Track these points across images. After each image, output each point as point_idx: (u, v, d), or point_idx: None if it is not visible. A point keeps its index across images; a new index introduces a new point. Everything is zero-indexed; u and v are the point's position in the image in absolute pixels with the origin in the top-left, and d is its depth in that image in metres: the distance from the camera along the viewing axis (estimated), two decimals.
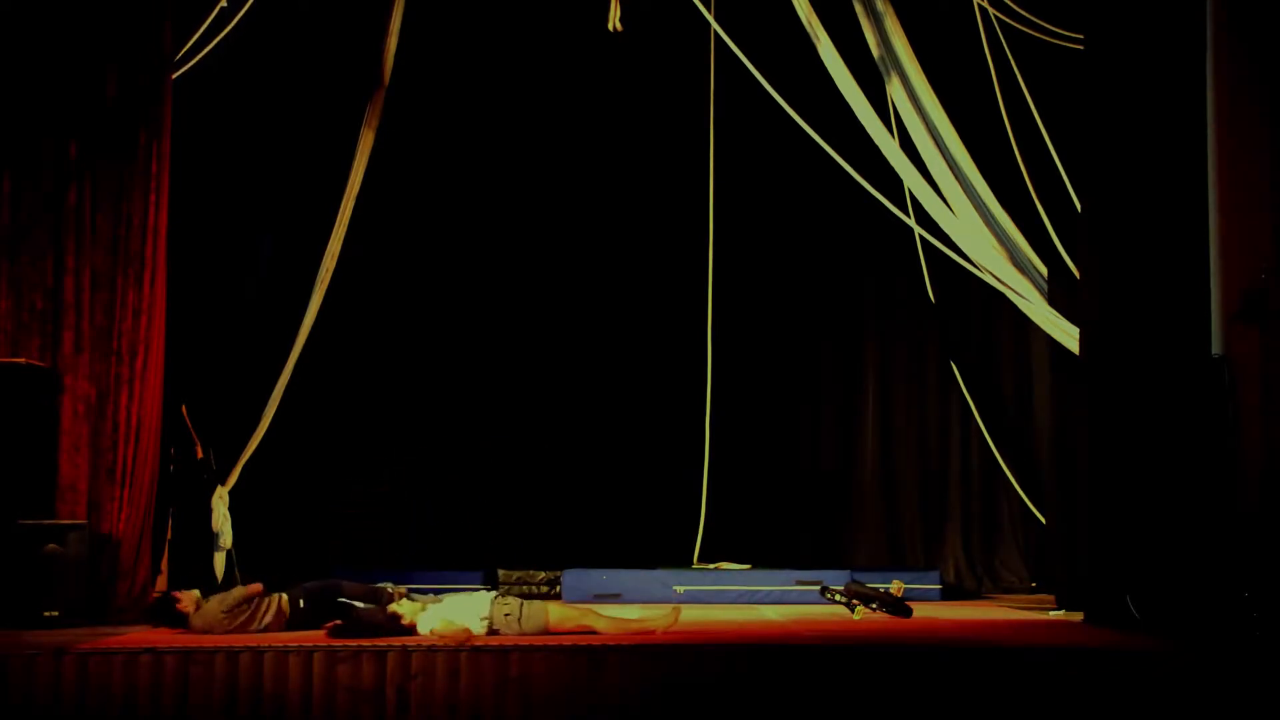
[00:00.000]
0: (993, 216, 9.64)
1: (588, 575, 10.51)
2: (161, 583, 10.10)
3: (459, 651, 6.53)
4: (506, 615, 7.23)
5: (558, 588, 10.78)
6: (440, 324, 12.00)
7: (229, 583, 10.57)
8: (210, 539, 10.51)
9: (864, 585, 9.11)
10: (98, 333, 8.39)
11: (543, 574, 11.17)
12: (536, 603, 7.46)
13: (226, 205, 10.89)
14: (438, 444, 11.95)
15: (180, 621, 7.43)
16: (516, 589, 11.10)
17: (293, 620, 7.54)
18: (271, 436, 10.60)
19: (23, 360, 8.24)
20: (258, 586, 7.61)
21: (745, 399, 12.19)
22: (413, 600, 7.58)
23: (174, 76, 8.82)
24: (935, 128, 9.69)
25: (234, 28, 9.16)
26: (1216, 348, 7.90)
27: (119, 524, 8.28)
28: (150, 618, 7.65)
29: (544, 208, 12.15)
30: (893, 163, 9.84)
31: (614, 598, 10.18)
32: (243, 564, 10.75)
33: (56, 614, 7.74)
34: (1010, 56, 9.80)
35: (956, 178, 9.65)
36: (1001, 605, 10.32)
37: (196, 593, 7.69)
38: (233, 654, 6.48)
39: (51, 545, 7.86)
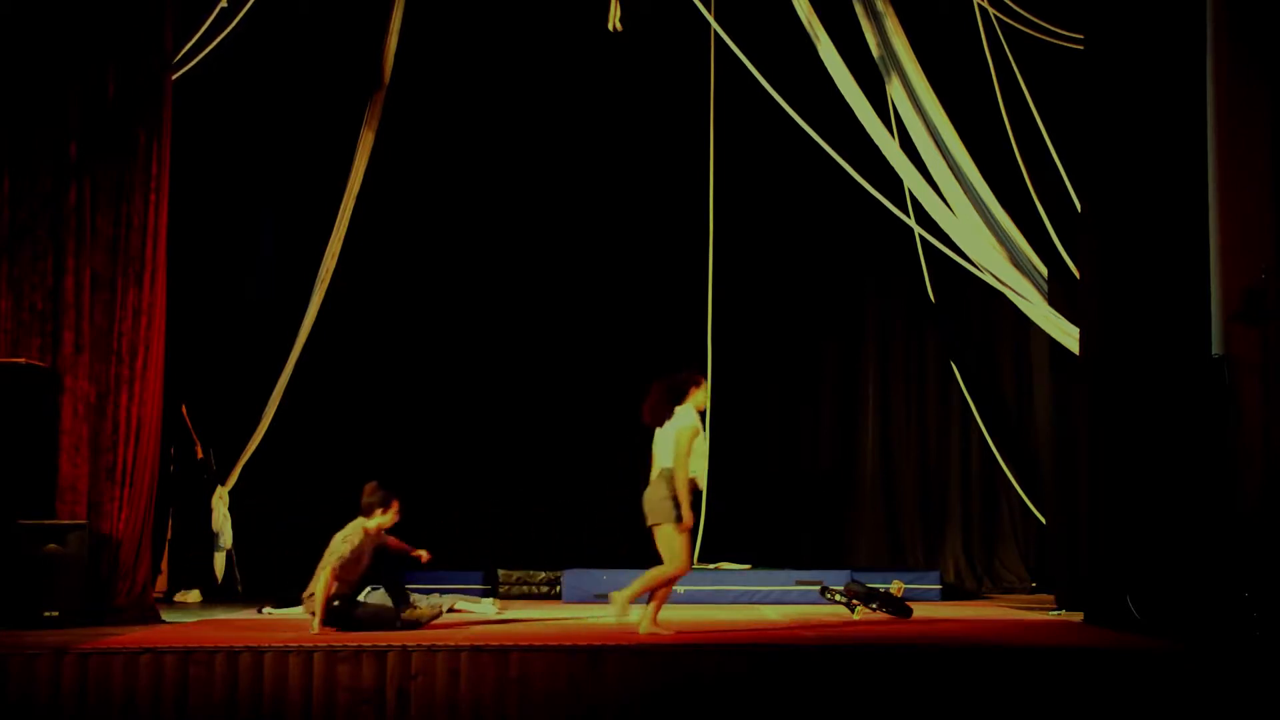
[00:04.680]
0: (993, 216, 9.64)
1: (588, 575, 10.51)
2: (161, 583, 10.12)
3: (459, 651, 6.53)
4: None
5: (558, 588, 10.79)
6: (440, 324, 12.00)
7: (229, 583, 10.60)
8: (210, 539, 10.52)
9: (864, 585, 9.10)
10: (98, 333, 8.38)
11: (543, 574, 11.17)
12: None
13: (227, 205, 10.91)
14: (438, 444, 11.95)
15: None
16: (517, 589, 11.11)
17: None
18: (271, 437, 10.61)
19: (23, 360, 8.23)
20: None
21: (745, 399, 12.20)
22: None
23: (174, 76, 8.82)
24: (935, 128, 9.69)
25: (234, 28, 9.15)
26: (1216, 348, 7.89)
27: (119, 524, 8.27)
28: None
29: (544, 209, 12.16)
30: (893, 163, 9.84)
31: None
32: (243, 564, 10.77)
33: (56, 614, 7.74)
34: (1010, 56, 9.80)
35: (956, 178, 9.65)
36: (1001, 605, 10.32)
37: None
38: (233, 654, 6.48)
39: (51, 545, 7.86)
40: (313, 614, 7.49)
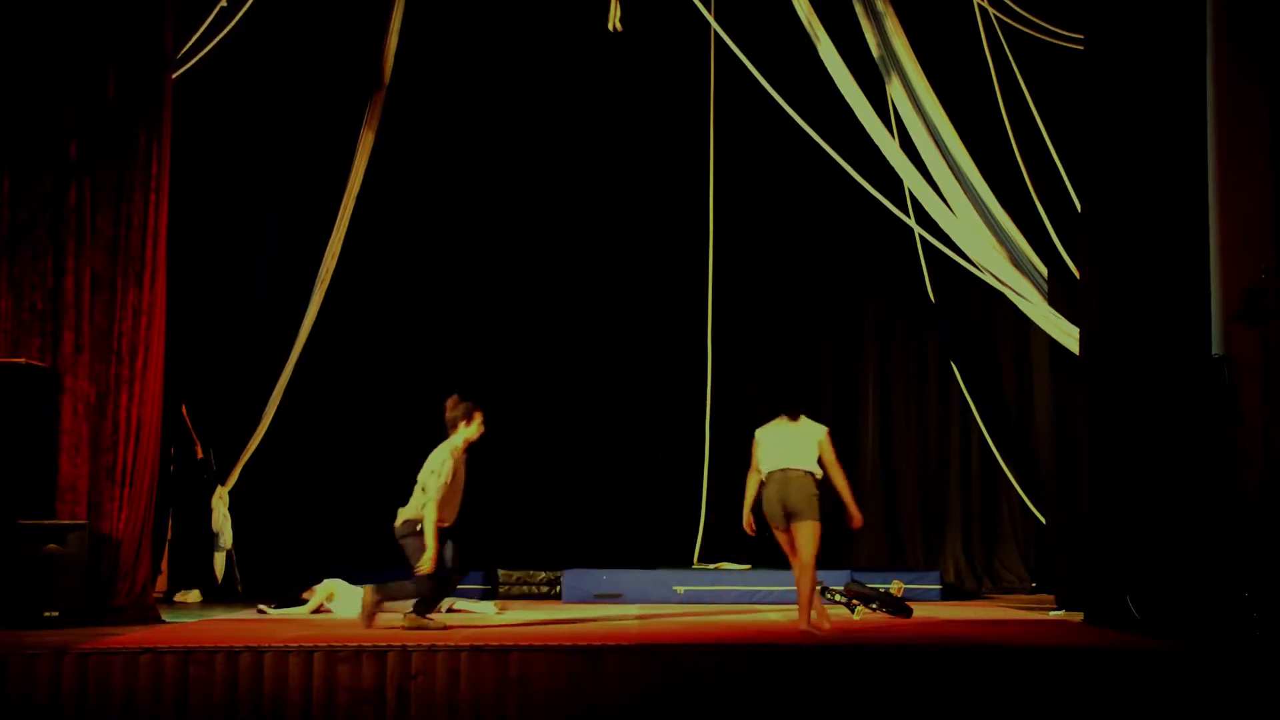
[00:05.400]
0: (993, 216, 9.64)
1: (588, 575, 10.51)
2: (161, 583, 10.11)
3: (459, 651, 6.53)
4: None
5: (558, 588, 10.78)
6: (440, 324, 11.98)
7: (229, 583, 10.59)
8: (210, 539, 10.52)
9: (864, 585, 9.11)
10: (98, 333, 8.38)
11: (543, 574, 11.16)
12: None
13: (227, 205, 10.91)
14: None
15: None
16: (517, 589, 11.10)
17: None
18: (271, 437, 10.60)
19: (23, 360, 8.23)
20: None
21: (745, 398, 12.18)
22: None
23: (174, 76, 8.82)
24: (935, 128, 9.69)
25: (234, 28, 9.15)
26: (1216, 348, 7.89)
27: (119, 524, 8.27)
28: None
29: (544, 209, 12.15)
30: (893, 163, 9.84)
31: (615, 598, 10.18)
32: (243, 564, 10.75)
33: (56, 614, 7.75)
34: (1010, 56, 9.80)
35: (956, 178, 9.65)
36: (1001, 605, 10.32)
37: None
38: (233, 654, 6.48)
39: (51, 545, 7.86)
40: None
